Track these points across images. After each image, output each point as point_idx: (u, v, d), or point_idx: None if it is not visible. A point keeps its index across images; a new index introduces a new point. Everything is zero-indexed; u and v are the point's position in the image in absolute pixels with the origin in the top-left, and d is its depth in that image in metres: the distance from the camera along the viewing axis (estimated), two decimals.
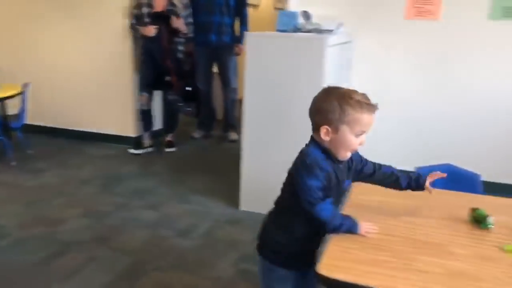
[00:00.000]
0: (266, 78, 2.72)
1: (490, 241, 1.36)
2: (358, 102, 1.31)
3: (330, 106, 1.33)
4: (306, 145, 1.44)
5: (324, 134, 1.36)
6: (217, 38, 4.27)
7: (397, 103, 3.48)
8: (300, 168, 1.39)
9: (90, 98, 4.45)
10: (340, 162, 1.42)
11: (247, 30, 4.26)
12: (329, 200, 1.37)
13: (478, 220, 1.44)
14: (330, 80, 2.78)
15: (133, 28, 4.02)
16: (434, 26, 3.31)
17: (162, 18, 3.89)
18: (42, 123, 4.61)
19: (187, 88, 4.65)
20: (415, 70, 3.43)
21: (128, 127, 4.38)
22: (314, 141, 1.41)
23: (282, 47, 2.65)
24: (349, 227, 1.37)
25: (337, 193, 1.48)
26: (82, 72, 4.42)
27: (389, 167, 1.56)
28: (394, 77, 3.48)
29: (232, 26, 4.35)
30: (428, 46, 3.36)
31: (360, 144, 1.37)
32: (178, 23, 3.92)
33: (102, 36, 4.26)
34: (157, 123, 4.46)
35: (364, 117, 1.32)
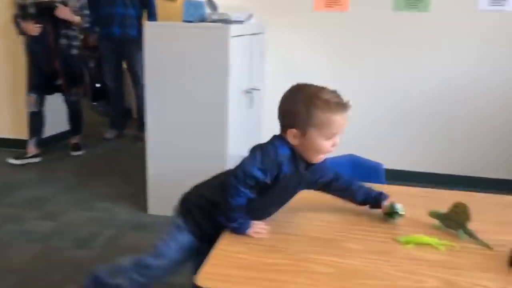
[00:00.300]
0: (168, 72, 2.53)
1: (387, 233, 1.29)
2: (327, 102, 1.19)
3: (296, 108, 1.20)
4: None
5: (292, 137, 1.23)
6: (120, 31, 3.98)
7: None
8: (257, 148, 1.25)
9: None
10: (308, 167, 1.29)
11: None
12: (250, 194, 1.23)
13: (388, 213, 1.36)
14: (237, 72, 2.65)
15: (16, 22, 3.46)
16: (343, 17, 3.31)
17: (48, 11, 3.39)
18: None
19: (97, 85, 4.34)
20: (326, 62, 3.41)
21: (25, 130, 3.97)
22: (282, 139, 1.26)
23: (183, 37, 2.48)
24: (240, 225, 1.24)
25: (282, 201, 1.35)
26: None
27: (349, 180, 1.45)
28: (306, 69, 3.44)
29: (138, 18, 4.08)
30: (338, 37, 3.35)
31: (334, 146, 1.24)
32: (65, 13, 3.42)
33: None
34: (63, 126, 4.09)
35: (334, 118, 1.19)
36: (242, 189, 1.21)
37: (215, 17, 2.91)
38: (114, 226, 2.65)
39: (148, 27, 2.49)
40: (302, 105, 1.19)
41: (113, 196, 3.09)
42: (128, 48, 4.07)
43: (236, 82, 2.63)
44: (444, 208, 1.30)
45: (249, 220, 1.25)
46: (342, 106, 1.21)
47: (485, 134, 3.30)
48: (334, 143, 1.23)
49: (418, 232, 1.27)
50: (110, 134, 4.47)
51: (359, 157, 1.96)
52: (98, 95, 4.43)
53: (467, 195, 1.57)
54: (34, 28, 3.37)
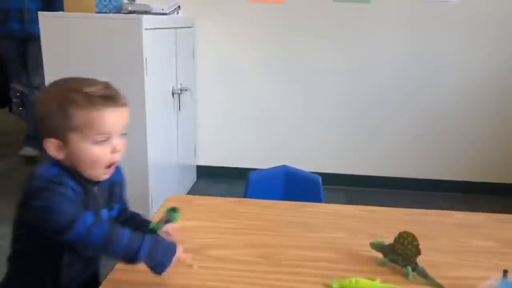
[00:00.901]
0: (72, 72, 2.13)
1: (316, 275, 1.00)
2: (88, 96, 0.87)
3: (49, 109, 0.88)
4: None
5: (53, 150, 0.89)
6: (20, 27, 3.46)
7: (245, 94, 3.17)
8: (29, 197, 0.88)
9: None
10: (94, 183, 0.95)
11: None
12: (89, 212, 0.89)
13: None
14: (158, 70, 2.30)
15: None
16: (278, 8, 3.02)
17: None
18: None
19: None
20: (262, 57, 3.12)
21: None
22: (50, 159, 0.92)
23: (88, 32, 2.10)
24: (163, 250, 0.87)
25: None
26: None
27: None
28: (240, 65, 3.13)
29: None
30: (274, 30, 3.07)
31: (115, 152, 0.92)
32: None
33: None
34: None
35: (100, 115, 0.88)
36: (83, 217, 0.85)
37: (132, 8, 2.54)
38: None
39: (44, 19, 2.08)
40: (56, 104, 0.89)
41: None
42: (33, 46, 3.54)
43: (156, 82, 2.28)
44: (391, 232, 1.03)
45: (162, 239, 0.91)
46: (111, 99, 0.92)
47: (429, 125, 3.14)
48: (112, 148, 0.92)
49: (356, 271, 0.99)
50: (26, 151, 3.72)
51: (294, 168, 1.68)
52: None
53: (417, 215, 1.32)
54: None
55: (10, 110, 3.45)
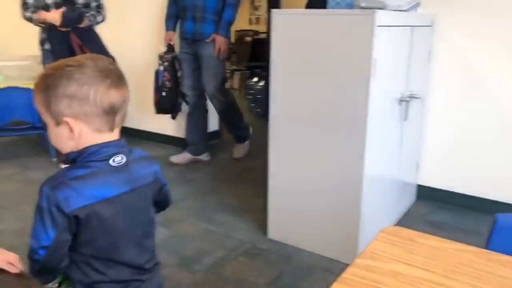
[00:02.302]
0: (297, 72, 2.06)
1: None
2: None
3: None
4: None
5: None
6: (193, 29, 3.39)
7: (491, 108, 2.59)
8: None
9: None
10: None
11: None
12: None
13: None
14: (387, 73, 2.03)
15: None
16: None
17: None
18: None
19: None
20: None
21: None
22: None
23: (316, 29, 1.98)
24: None
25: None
26: None
27: None
28: (488, 73, 2.57)
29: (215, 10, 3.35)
30: None
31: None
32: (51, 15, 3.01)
33: None
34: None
35: None
36: None
37: (365, 4, 2.33)
38: (226, 247, 2.32)
39: (275, 16, 2.06)
40: None
41: (236, 209, 2.78)
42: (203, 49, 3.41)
43: (384, 85, 2.02)
44: None
45: None
46: None
47: None
48: None
49: None
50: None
51: None
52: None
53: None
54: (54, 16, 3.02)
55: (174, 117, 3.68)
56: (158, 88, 3.49)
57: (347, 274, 0.87)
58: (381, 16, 1.85)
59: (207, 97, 3.60)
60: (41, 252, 0.95)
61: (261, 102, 5.26)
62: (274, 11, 2.05)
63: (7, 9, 4.29)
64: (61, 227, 0.94)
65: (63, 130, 0.97)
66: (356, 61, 1.89)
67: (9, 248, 1.08)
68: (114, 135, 1.02)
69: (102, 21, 3.24)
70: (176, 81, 3.45)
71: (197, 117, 3.64)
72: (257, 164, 3.57)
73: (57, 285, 1.05)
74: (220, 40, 3.30)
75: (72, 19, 3.02)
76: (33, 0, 3.08)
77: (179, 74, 3.44)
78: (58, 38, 3.09)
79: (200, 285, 1.99)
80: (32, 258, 0.97)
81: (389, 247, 0.97)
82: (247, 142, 3.86)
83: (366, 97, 1.88)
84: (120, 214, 1.02)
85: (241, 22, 7.18)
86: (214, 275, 2.07)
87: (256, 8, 8.49)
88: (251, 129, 3.91)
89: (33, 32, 3.28)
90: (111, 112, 0.97)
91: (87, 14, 3.11)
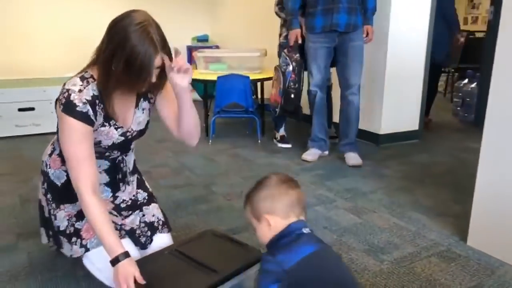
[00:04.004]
0: None
1: None
2: None
3: None
4: None
5: None
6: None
7: None
8: None
9: None
10: None
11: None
12: None
13: None
14: None
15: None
16: None
17: None
18: None
19: None
20: None
21: None
22: None
23: None
24: None
25: None
26: None
27: None
28: None
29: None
30: None
31: None
32: None
33: None
34: None
35: None
36: None
37: None
38: (417, 245, 2.21)
39: (507, 12, 1.82)
40: None
41: (430, 209, 2.62)
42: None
43: None
44: None
45: None
46: None
47: None
48: None
49: None
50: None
51: None
52: None
53: None
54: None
55: None
56: (284, 90, 3.47)
57: None
58: None
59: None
60: None
61: (469, 106, 4.81)
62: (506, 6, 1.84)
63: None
64: None
65: None
66: None
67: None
68: None
69: None
70: (300, 82, 3.46)
71: (324, 113, 3.57)
72: (454, 168, 3.37)
73: None
74: (372, 31, 3.36)
75: None
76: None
77: (302, 75, 3.50)
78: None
79: (387, 274, 1.95)
80: None
81: None
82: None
83: None
84: None
85: None
86: (403, 268, 1.99)
87: (474, 7, 7.73)
88: None
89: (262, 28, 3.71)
90: None
91: None
